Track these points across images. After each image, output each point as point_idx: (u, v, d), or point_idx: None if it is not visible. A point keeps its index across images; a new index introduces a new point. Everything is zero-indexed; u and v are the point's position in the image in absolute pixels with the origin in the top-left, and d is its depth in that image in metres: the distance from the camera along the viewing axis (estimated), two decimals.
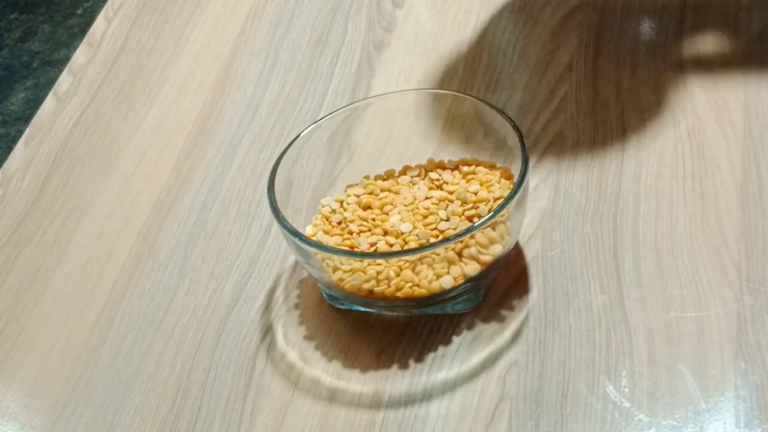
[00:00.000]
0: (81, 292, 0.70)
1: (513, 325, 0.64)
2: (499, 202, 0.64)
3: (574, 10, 0.83)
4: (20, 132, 1.27)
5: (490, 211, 0.64)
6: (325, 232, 0.65)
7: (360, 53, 0.83)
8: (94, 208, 0.76)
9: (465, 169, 0.67)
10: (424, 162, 0.69)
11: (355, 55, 0.83)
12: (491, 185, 0.66)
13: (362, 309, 0.65)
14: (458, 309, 0.65)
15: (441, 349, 0.63)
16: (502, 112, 0.66)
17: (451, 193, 0.66)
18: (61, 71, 0.87)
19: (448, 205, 0.65)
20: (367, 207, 0.66)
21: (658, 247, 0.66)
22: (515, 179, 0.64)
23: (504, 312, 0.65)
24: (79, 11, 2.25)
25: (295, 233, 0.63)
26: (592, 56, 0.79)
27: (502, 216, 0.62)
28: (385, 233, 0.64)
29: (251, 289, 0.69)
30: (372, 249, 0.64)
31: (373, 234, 0.64)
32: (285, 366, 0.64)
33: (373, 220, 0.65)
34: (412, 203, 0.66)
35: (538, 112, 0.76)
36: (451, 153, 0.70)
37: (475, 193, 0.65)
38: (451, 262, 0.62)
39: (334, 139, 0.69)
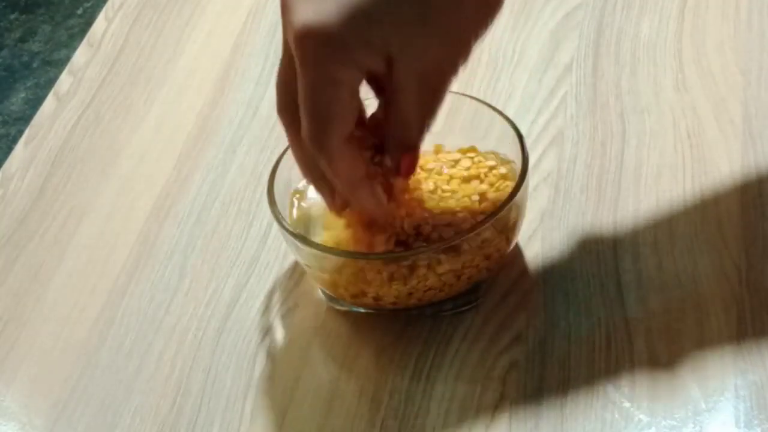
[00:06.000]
0: (81, 292, 0.70)
1: (513, 325, 0.64)
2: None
3: (574, 10, 0.83)
4: (20, 132, 1.27)
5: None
6: None
7: None
8: (94, 208, 0.76)
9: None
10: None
11: None
12: (498, 185, 0.65)
13: (362, 310, 0.65)
14: (458, 309, 0.65)
15: (441, 349, 0.63)
16: (501, 112, 0.66)
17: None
18: (61, 71, 0.87)
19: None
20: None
21: (658, 247, 0.66)
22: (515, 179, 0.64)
23: (504, 312, 0.65)
24: (80, 11, 2.25)
25: (295, 234, 0.63)
26: (592, 56, 0.79)
27: (501, 217, 0.62)
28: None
29: (251, 289, 0.69)
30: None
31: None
32: (285, 366, 0.64)
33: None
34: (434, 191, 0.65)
35: (538, 112, 0.76)
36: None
37: (484, 194, 0.65)
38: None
39: None
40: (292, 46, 0.56)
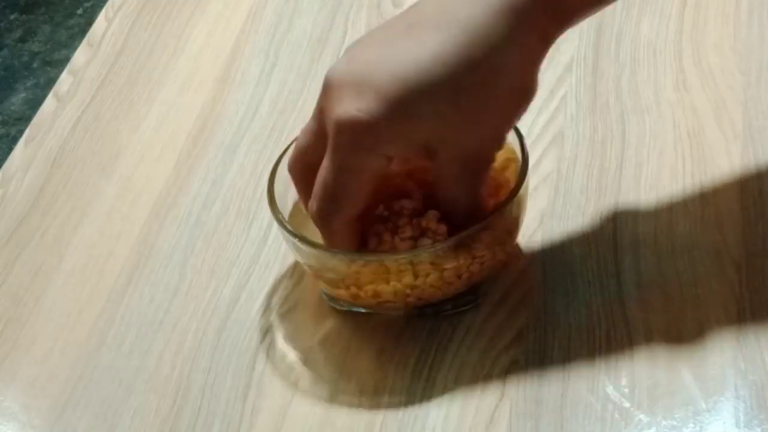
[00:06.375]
0: (81, 292, 0.70)
1: (513, 325, 0.64)
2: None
3: None
4: (20, 132, 1.27)
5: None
6: None
7: None
8: (94, 208, 0.76)
9: None
10: None
11: None
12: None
13: (362, 310, 0.65)
14: (458, 309, 0.65)
15: (441, 349, 0.63)
16: None
17: None
18: (61, 71, 0.87)
19: None
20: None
21: (658, 247, 0.66)
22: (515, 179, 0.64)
23: (504, 312, 0.65)
24: (80, 11, 2.25)
25: (295, 234, 0.62)
26: (592, 56, 0.79)
27: (501, 217, 0.62)
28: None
29: (251, 289, 0.69)
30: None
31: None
32: (285, 366, 0.64)
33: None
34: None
35: (538, 112, 0.76)
36: None
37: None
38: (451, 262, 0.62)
39: None
40: (330, 130, 0.58)
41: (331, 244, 0.61)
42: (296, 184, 0.63)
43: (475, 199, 0.61)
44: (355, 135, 0.57)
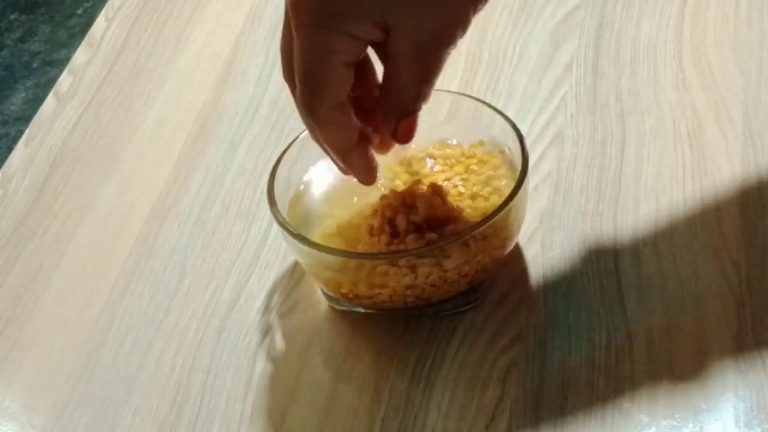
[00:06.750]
0: (81, 292, 0.70)
1: (513, 325, 0.64)
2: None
3: (574, 10, 0.83)
4: (20, 132, 1.27)
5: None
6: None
7: None
8: (94, 208, 0.76)
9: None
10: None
11: None
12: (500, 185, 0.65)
13: (362, 310, 0.65)
14: (458, 309, 0.65)
15: (441, 349, 0.63)
16: (501, 112, 0.66)
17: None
18: (61, 71, 0.87)
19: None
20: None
21: (658, 248, 0.66)
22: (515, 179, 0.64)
23: (504, 312, 0.65)
24: (80, 11, 2.24)
25: (295, 234, 0.62)
26: (592, 56, 0.79)
27: (501, 217, 0.62)
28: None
29: (251, 289, 0.69)
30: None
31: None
32: (285, 366, 0.64)
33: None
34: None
35: (538, 112, 0.76)
36: None
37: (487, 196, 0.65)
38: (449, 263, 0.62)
39: None
40: (290, 14, 0.56)
41: (324, 137, 0.58)
42: (292, 93, 0.59)
43: (422, 86, 0.58)
44: (310, 10, 0.55)
